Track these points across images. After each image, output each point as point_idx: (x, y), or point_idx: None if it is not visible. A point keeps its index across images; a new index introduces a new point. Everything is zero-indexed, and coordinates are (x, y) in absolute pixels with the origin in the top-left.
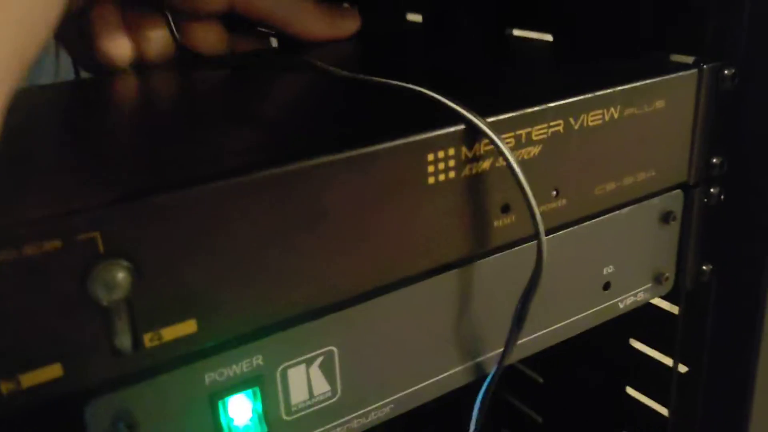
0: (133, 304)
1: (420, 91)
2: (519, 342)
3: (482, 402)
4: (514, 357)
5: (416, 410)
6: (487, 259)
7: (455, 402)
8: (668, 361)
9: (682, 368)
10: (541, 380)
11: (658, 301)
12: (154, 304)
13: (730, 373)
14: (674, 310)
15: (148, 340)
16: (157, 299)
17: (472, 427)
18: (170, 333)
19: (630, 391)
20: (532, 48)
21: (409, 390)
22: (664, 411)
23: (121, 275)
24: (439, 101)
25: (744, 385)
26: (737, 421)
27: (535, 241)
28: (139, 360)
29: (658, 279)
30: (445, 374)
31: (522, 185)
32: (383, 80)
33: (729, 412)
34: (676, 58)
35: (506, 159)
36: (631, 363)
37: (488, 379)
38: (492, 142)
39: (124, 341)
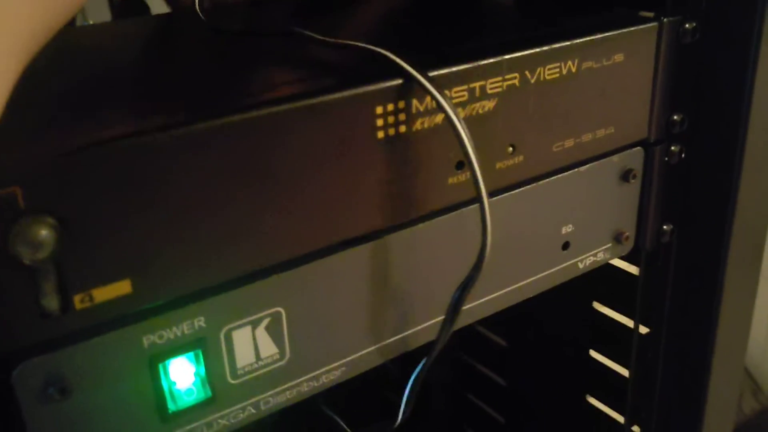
0: (61, 264)
1: (361, 47)
2: (478, 302)
3: (412, 388)
4: (474, 317)
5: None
6: (441, 218)
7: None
8: (631, 323)
9: (644, 330)
10: (504, 344)
11: (622, 264)
12: (83, 264)
13: (690, 334)
14: (637, 271)
15: (78, 301)
16: (87, 258)
17: (401, 411)
18: (102, 294)
19: (593, 353)
20: (499, 3)
21: (361, 353)
22: (625, 372)
23: (45, 233)
24: (379, 54)
25: (704, 345)
26: (697, 382)
27: (494, 198)
28: (69, 322)
29: (618, 239)
30: (398, 337)
31: (462, 139)
32: (323, 38)
33: (689, 373)
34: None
35: (445, 112)
36: (595, 325)
37: (419, 368)
38: (429, 93)
39: (51, 303)
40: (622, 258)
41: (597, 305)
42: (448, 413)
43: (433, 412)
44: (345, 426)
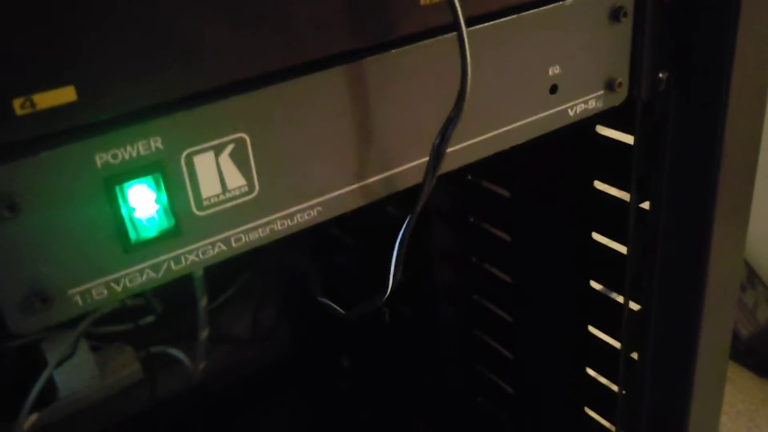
0: None
1: None
2: (461, 146)
3: (399, 249)
4: (460, 162)
5: None
6: (417, 44)
7: None
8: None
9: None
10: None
11: (621, 136)
12: (18, 62)
13: (690, 203)
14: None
15: (18, 106)
16: (21, 57)
17: (391, 276)
18: (45, 100)
19: (596, 236)
20: None
21: (337, 192)
22: (624, 250)
23: None
24: None
25: (704, 216)
26: (697, 255)
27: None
28: (11, 130)
29: (610, 85)
30: (377, 177)
31: None
32: None
33: (688, 247)
34: None
35: None
36: (596, 206)
37: (404, 225)
38: None
39: None
40: (622, 129)
41: (598, 184)
42: (457, 317)
43: (442, 316)
44: (340, 309)
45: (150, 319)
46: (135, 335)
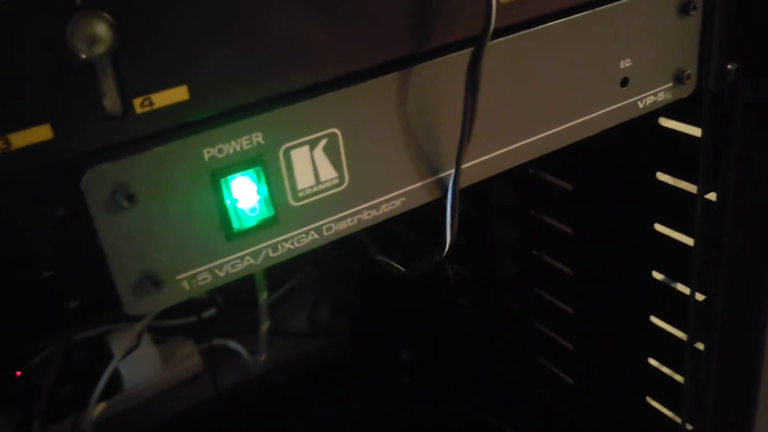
0: (119, 62)
1: None
2: (536, 138)
3: (452, 207)
4: (536, 152)
5: None
6: (498, 40)
7: None
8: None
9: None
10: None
11: (685, 128)
12: (141, 65)
13: (758, 193)
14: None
15: (138, 105)
16: (144, 59)
17: (447, 235)
18: (161, 99)
19: (658, 227)
20: None
21: (420, 183)
22: (690, 242)
23: (101, 27)
24: None
25: None
26: (765, 244)
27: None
28: (131, 126)
29: (678, 77)
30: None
31: None
32: None
33: (756, 237)
34: None
35: None
36: (658, 197)
37: (452, 180)
38: None
39: (113, 104)
40: (686, 121)
41: (660, 175)
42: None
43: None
44: (398, 266)
45: (211, 312)
46: (197, 328)
